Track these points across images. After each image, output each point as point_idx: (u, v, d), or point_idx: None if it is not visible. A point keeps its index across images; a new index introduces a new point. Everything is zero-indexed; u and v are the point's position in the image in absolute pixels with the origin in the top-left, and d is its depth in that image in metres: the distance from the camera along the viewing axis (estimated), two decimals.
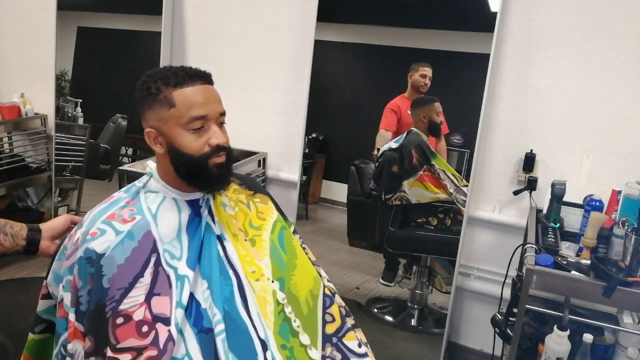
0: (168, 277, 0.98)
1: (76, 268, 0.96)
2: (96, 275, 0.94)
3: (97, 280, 0.93)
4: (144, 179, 1.11)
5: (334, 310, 1.13)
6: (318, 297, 1.12)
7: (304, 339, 1.06)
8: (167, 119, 1.01)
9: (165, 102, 1.01)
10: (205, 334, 0.97)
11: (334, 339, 1.11)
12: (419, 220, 2.25)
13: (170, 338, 0.93)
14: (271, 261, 1.10)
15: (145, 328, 0.93)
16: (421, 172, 2.17)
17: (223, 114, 1.06)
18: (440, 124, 2.17)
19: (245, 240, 1.11)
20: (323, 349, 1.08)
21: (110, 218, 1.00)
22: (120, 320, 0.92)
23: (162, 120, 1.02)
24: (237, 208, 1.15)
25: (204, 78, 1.04)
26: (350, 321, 1.15)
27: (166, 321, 0.94)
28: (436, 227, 2.24)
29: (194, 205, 1.08)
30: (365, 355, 1.12)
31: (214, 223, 1.09)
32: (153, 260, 0.98)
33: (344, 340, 1.11)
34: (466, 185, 2.10)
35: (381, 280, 2.41)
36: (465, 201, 2.08)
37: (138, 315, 0.93)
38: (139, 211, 1.02)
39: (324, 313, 1.12)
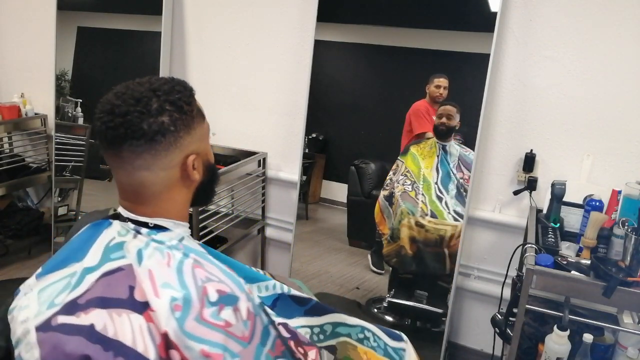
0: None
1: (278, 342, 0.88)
2: None
3: None
4: (170, 236, 0.87)
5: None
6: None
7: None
8: (205, 134, 0.92)
9: (200, 116, 0.90)
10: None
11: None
12: None
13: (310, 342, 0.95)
14: None
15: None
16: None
17: None
18: (439, 125, 2.17)
19: None
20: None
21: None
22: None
23: (202, 138, 0.90)
24: None
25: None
26: None
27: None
28: None
29: None
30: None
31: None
32: None
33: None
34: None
35: (372, 267, 2.41)
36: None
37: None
38: (208, 261, 0.87)
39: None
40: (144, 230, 0.86)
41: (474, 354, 2.31)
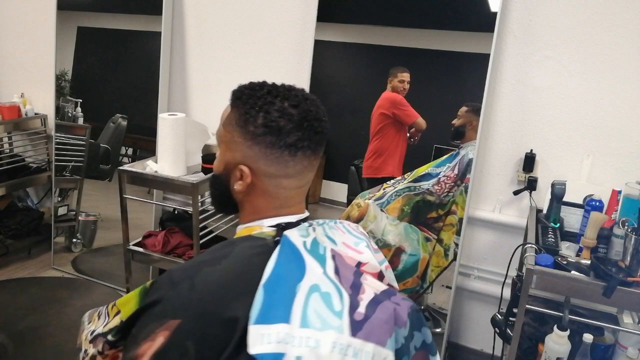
0: None
1: None
2: None
3: None
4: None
5: None
6: None
7: None
8: None
9: None
10: None
11: None
12: None
13: None
14: None
15: None
16: None
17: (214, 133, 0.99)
18: (452, 127, 2.16)
19: None
20: None
21: None
22: None
23: None
24: None
25: None
26: None
27: None
28: None
29: None
30: None
31: None
32: None
33: None
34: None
35: None
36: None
37: None
38: None
39: None
40: (312, 222, 0.95)
41: (474, 354, 2.31)
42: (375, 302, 0.85)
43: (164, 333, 0.75)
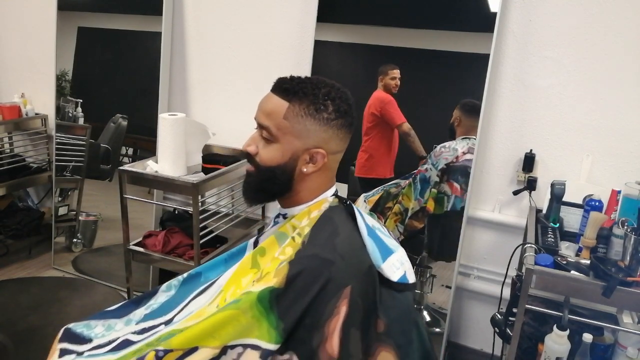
0: None
1: None
2: None
3: None
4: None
5: None
6: None
7: None
8: None
9: None
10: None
11: None
12: None
13: None
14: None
15: None
16: None
17: (261, 126, 1.06)
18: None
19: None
20: None
21: None
22: None
23: None
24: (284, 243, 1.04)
25: (274, 85, 1.10)
26: None
27: None
28: None
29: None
30: None
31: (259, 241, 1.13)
32: None
33: None
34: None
35: None
36: None
37: None
38: None
39: None
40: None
41: (474, 353, 2.31)
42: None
43: (344, 302, 0.91)
